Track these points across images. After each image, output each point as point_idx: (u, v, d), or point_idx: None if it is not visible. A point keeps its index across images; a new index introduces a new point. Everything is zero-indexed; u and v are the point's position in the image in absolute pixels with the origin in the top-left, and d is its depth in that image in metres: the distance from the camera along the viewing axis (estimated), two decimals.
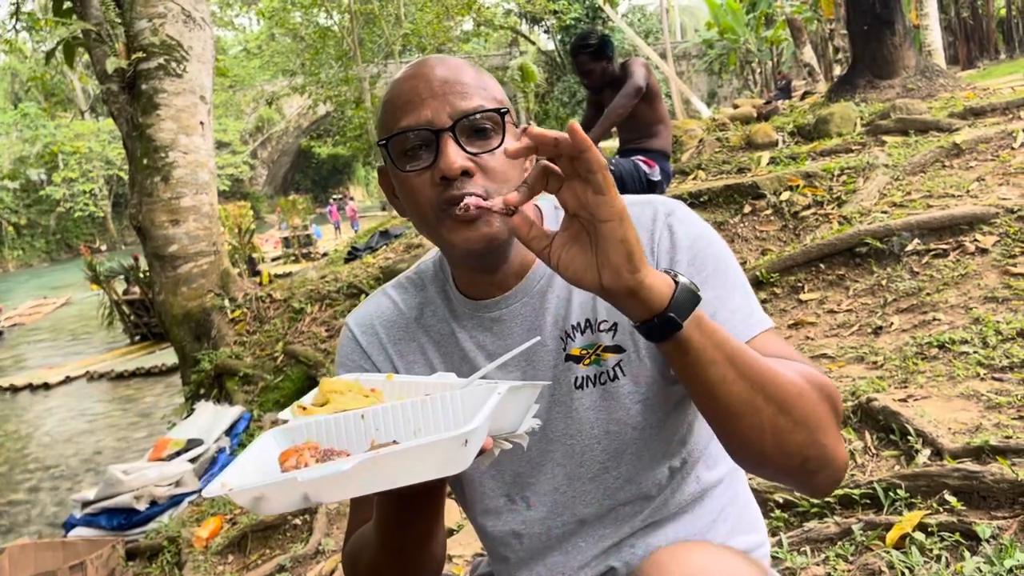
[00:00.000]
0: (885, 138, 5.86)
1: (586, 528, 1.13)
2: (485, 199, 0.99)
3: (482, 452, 0.79)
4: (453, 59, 1.08)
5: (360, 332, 1.21)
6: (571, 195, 0.80)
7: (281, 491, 0.72)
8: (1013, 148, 4.97)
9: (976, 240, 3.97)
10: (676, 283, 0.83)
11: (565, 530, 1.14)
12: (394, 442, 0.82)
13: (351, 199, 33.41)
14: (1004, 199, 4.21)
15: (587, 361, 1.09)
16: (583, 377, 1.09)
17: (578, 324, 1.10)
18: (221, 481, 0.74)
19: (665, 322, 0.82)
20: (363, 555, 1.07)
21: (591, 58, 4.65)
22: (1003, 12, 26.22)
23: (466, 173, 0.99)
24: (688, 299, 0.83)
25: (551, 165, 0.80)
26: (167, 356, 11.28)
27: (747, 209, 5.29)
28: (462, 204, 0.91)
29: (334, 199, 33.98)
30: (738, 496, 1.20)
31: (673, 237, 1.06)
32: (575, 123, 0.77)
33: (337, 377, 0.97)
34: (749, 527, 1.19)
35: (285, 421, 0.88)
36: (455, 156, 0.98)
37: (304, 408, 0.88)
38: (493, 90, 1.06)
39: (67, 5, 7.00)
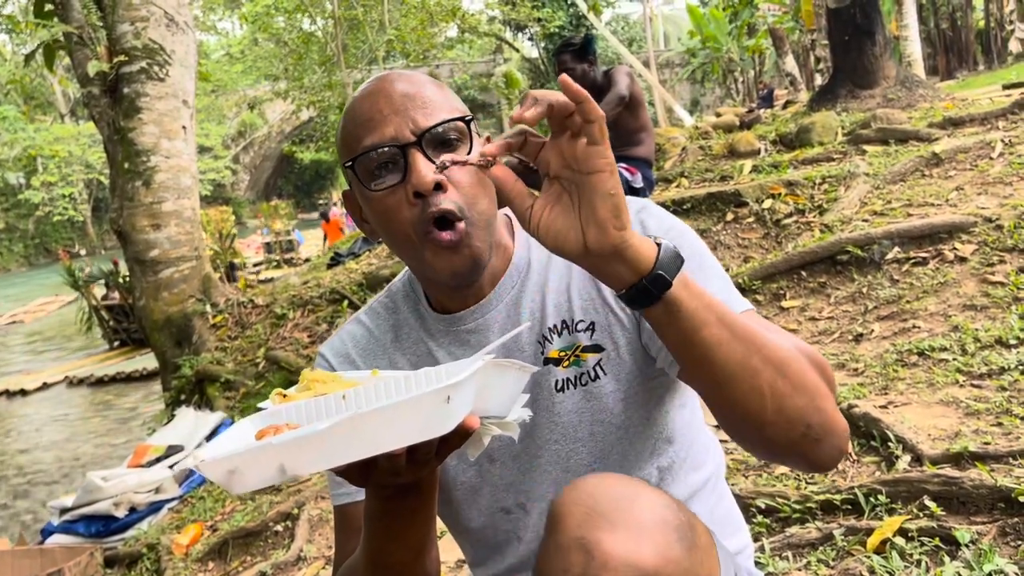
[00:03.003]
0: (866, 147, 5.92)
1: None
2: (459, 213, 0.98)
3: (467, 434, 0.76)
4: (410, 73, 1.07)
5: (336, 361, 1.18)
6: (555, 153, 0.79)
7: (256, 461, 0.67)
8: (991, 158, 5.03)
9: (955, 248, 4.01)
10: (658, 244, 0.82)
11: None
12: None
13: (335, 204, 33.30)
14: (983, 208, 4.26)
15: (566, 363, 1.08)
16: (563, 380, 1.08)
17: (555, 326, 1.08)
18: (194, 455, 0.69)
19: (653, 281, 0.80)
20: None
21: (574, 57, 4.66)
22: (981, 24, 26.54)
23: (439, 187, 0.98)
24: (673, 259, 0.81)
25: (530, 129, 0.80)
26: (147, 361, 11.18)
27: (729, 217, 5.32)
28: (438, 162, 0.87)
29: (334, 204, 34.12)
30: (722, 498, 1.20)
31: (644, 228, 1.06)
32: (566, 76, 0.76)
33: (319, 370, 0.93)
34: (734, 528, 1.20)
35: (264, 408, 0.84)
36: (426, 170, 0.97)
37: (284, 395, 0.85)
38: (453, 101, 1.05)
39: (48, 7, 6.95)
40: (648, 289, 0.80)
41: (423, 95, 1.01)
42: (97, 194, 40.42)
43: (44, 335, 18.52)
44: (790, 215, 5.10)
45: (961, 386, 2.92)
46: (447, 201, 0.98)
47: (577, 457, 1.09)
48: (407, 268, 1.18)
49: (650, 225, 1.06)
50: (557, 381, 1.08)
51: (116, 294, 14.25)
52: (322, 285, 6.71)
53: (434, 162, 0.97)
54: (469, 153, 1.01)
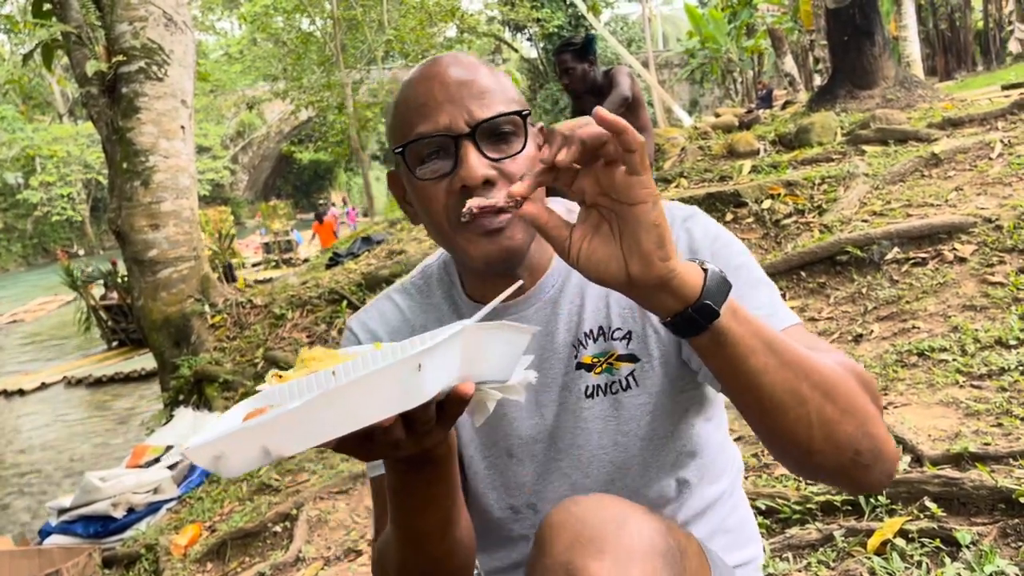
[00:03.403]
0: (865, 147, 5.92)
1: None
2: (506, 209, 0.93)
3: (463, 401, 0.74)
4: (467, 58, 1.03)
5: (363, 336, 1.16)
6: (591, 182, 0.75)
7: (239, 444, 0.67)
8: (991, 159, 5.03)
9: (955, 249, 4.01)
10: (705, 270, 0.78)
11: None
12: None
13: (332, 204, 33.31)
14: (982, 209, 4.26)
15: (599, 369, 1.05)
16: (594, 386, 1.06)
17: (591, 331, 1.06)
18: (185, 443, 0.69)
19: (700, 311, 0.76)
20: (389, 557, 1.02)
21: (574, 57, 4.65)
22: (980, 24, 26.57)
23: (488, 182, 0.95)
24: (720, 285, 0.77)
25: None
26: (145, 362, 11.17)
27: (729, 217, 5.32)
28: (464, 210, 0.84)
29: (341, 204, 34.03)
30: (737, 508, 1.18)
31: (691, 238, 1.03)
32: (600, 109, 0.72)
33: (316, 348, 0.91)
34: (747, 539, 1.18)
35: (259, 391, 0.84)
36: (477, 165, 0.94)
37: (281, 376, 0.84)
38: (510, 91, 1.02)
39: (47, 7, 6.94)
40: (694, 318, 0.77)
41: (479, 83, 0.98)
42: (95, 194, 40.39)
43: (42, 335, 18.51)
44: (789, 215, 5.09)
45: (961, 387, 2.92)
46: (495, 194, 0.95)
47: (598, 464, 1.07)
48: (442, 251, 1.16)
49: (696, 234, 1.03)
50: (588, 387, 1.06)
51: (114, 294, 14.24)
52: (321, 285, 6.70)
53: (486, 155, 0.96)
54: (523, 148, 0.98)
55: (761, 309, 0.95)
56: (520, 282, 0.98)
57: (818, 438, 0.83)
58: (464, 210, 0.84)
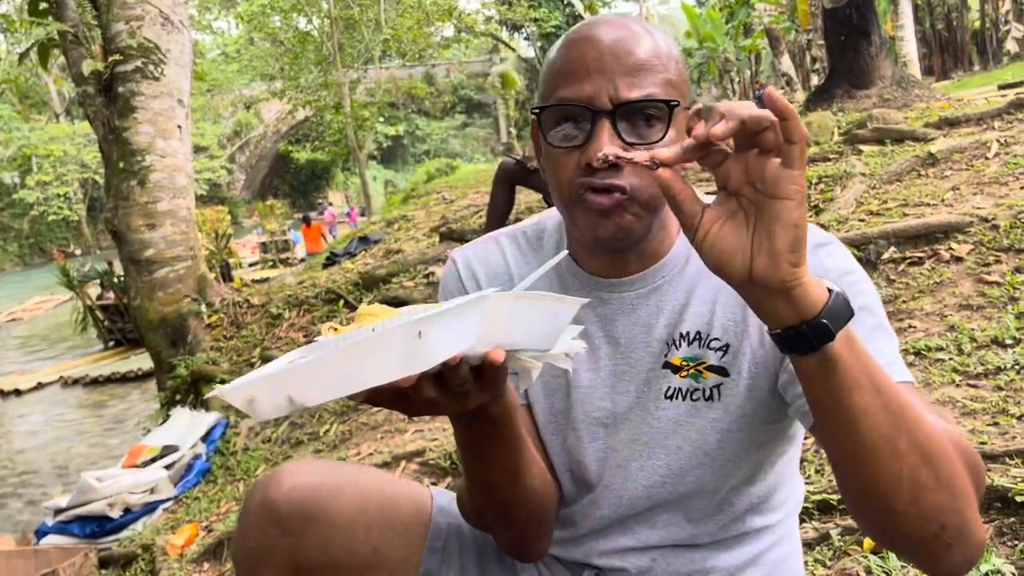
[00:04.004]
0: (862, 147, 5.93)
1: (620, 525, 1.10)
2: (627, 191, 0.92)
3: (497, 367, 0.75)
4: (631, 24, 0.97)
5: (465, 273, 1.15)
6: (739, 169, 0.71)
7: (267, 390, 0.70)
8: (987, 158, 5.03)
9: (951, 248, 4.01)
10: (830, 290, 0.73)
11: (602, 524, 1.10)
12: None
13: (330, 204, 33.32)
14: (978, 208, 4.27)
15: (684, 373, 1.02)
16: (675, 389, 1.03)
17: (687, 333, 1.02)
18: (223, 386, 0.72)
19: (816, 329, 0.71)
20: (466, 497, 1.06)
21: None
22: (977, 24, 26.61)
23: (615, 166, 0.91)
24: (843, 309, 0.73)
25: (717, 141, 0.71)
26: (142, 361, 11.15)
27: None
28: (600, 154, 0.81)
29: (344, 203, 33.71)
30: (783, 543, 1.14)
31: (823, 268, 0.96)
32: (772, 89, 0.69)
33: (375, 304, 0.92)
34: (788, 573, 1.14)
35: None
36: (607, 146, 0.90)
37: (337, 329, 0.85)
38: (671, 70, 0.95)
39: (43, 6, 6.93)
40: (807, 335, 0.72)
41: (637, 57, 0.93)
42: (92, 193, 40.30)
43: (39, 335, 18.48)
44: None
45: (957, 386, 2.92)
46: (620, 177, 0.92)
47: (655, 465, 1.05)
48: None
49: (828, 264, 0.97)
50: (669, 388, 1.03)
51: (111, 294, 14.22)
52: (318, 285, 6.69)
53: (622, 138, 0.91)
54: (663, 137, 0.93)
55: (879, 356, 0.85)
56: (586, 300, 0.94)
57: (905, 499, 0.76)
58: (600, 155, 0.82)
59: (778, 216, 0.69)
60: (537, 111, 0.98)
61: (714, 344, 1.02)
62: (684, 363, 1.03)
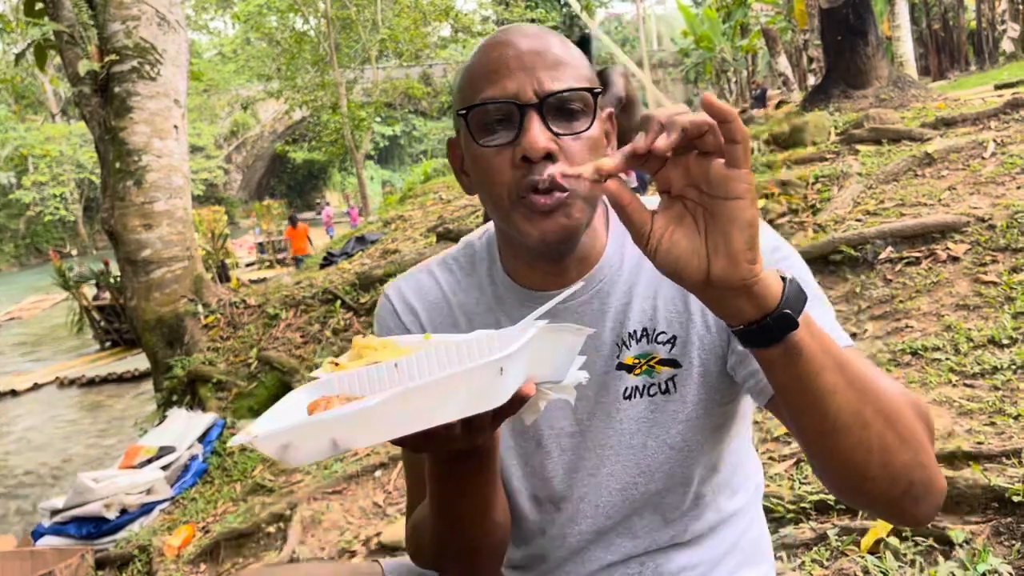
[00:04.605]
0: (859, 147, 5.93)
1: (601, 539, 1.10)
2: (566, 185, 0.91)
3: (523, 401, 0.74)
4: (543, 29, 1.00)
5: (401, 307, 1.14)
6: (680, 172, 0.70)
7: (308, 436, 0.67)
8: (984, 158, 5.04)
9: (948, 248, 4.02)
10: (784, 279, 0.73)
11: (581, 540, 1.10)
12: None
13: (327, 204, 33.29)
14: (975, 208, 4.27)
15: (638, 371, 1.03)
16: (632, 387, 1.04)
17: (635, 332, 1.03)
18: (247, 430, 0.69)
19: (779, 320, 0.72)
20: (424, 535, 1.03)
21: None
22: (973, 24, 26.63)
23: (549, 156, 0.92)
24: (799, 294, 0.73)
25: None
26: (139, 362, 11.13)
27: None
28: (544, 175, 0.80)
29: (344, 202, 33.30)
30: (752, 525, 1.16)
31: None
32: (708, 95, 0.67)
33: (371, 337, 0.91)
34: (760, 558, 1.17)
35: (316, 379, 0.83)
36: (539, 135, 0.91)
37: (337, 364, 0.83)
38: (582, 67, 0.98)
39: (39, 6, 6.91)
40: (771, 328, 0.72)
41: (554, 54, 0.95)
42: (88, 194, 40.22)
43: (35, 336, 18.45)
44: (783, 215, 5.10)
45: (954, 386, 2.92)
46: (555, 171, 0.92)
47: (624, 466, 1.06)
48: (487, 227, 1.14)
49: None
50: (627, 388, 1.04)
51: (107, 294, 14.19)
52: (315, 285, 6.68)
53: (551, 129, 0.92)
54: (589, 127, 0.95)
55: (821, 325, 0.88)
56: (582, 282, 0.98)
57: (875, 465, 0.79)
58: (545, 175, 0.80)
59: (732, 217, 0.68)
60: (463, 113, 0.97)
61: (661, 338, 1.03)
62: (636, 361, 1.03)
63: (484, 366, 0.66)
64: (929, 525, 2.05)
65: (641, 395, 1.04)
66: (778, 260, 0.99)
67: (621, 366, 1.04)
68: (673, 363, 1.03)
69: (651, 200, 0.79)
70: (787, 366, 0.75)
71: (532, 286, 1.06)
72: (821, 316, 0.92)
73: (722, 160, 0.68)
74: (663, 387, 1.03)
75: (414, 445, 0.77)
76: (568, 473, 1.08)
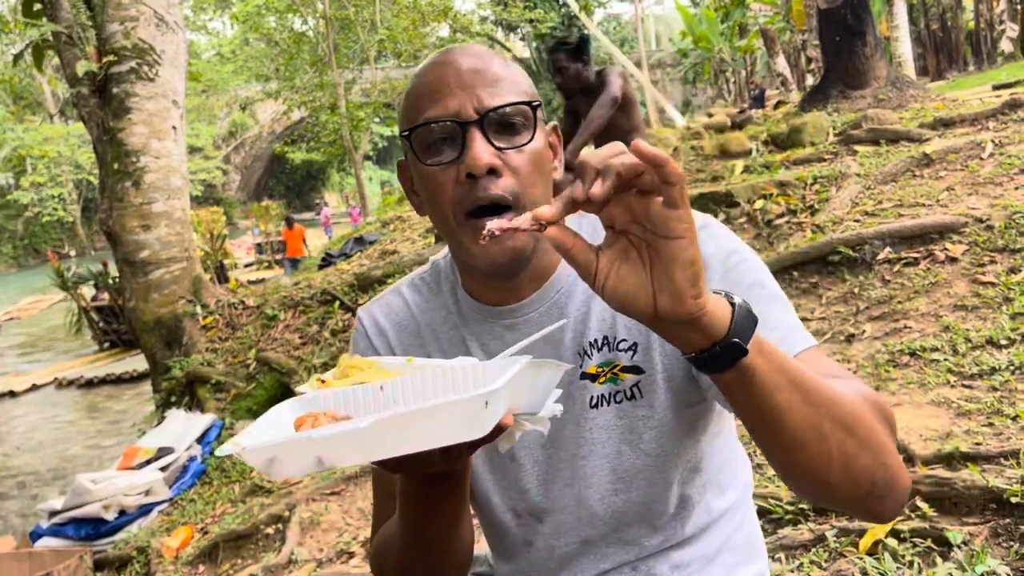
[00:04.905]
0: (857, 147, 5.93)
1: (590, 549, 1.10)
2: (511, 200, 0.93)
3: (501, 430, 0.75)
4: (481, 48, 1.02)
5: (372, 331, 1.16)
6: (622, 209, 0.71)
7: (295, 452, 0.69)
8: (982, 159, 5.04)
9: (946, 249, 4.02)
10: (733, 304, 0.74)
11: (569, 550, 1.11)
12: None
13: (326, 205, 33.26)
14: (973, 208, 4.27)
15: (603, 379, 1.04)
16: (598, 396, 1.04)
17: (595, 341, 1.04)
18: (234, 441, 0.71)
19: (727, 349, 0.73)
20: (390, 553, 1.03)
21: (568, 56, 4.65)
22: (971, 25, 26.65)
23: (493, 171, 0.94)
24: (748, 319, 0.74)
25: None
26: (137, 363, 11.13)
27: (721, 217, 5.32)
28: (484, 231, 0.80)
29: (345, 202, 33.18)
30: (744, 522, 1.17)
31: (704, 251, 0.95)
32: (638, 142, 0.67)
33: (358, 357, 0.93)
34: (754, 555, 1.17)
35: (303, 394, 0.85)
36: (482, 151, 0.93)
37: (323, 381, 0.85)
38: (522, 82, 1.00)
39: (37, 7, 6.91)
40: (720, 356, 0.74)
41: (492, 72, 0.97)
42: (87, 195, 40.20)
43: (33, 337, 18.43)
44: (782, 215, 5.10)
45: (952, 386, 2.92)
46: (499, 187, 0.94)
47: (600, 475, 1.06)
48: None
49: (709, 248, 0.99)
50: (592, 397, 1.05)
51: (105, 295, 14.18)
52: (313, 286, 6.68)
53: (493, 144, 0.94)
54: (531, 140, 0.97)
55: (778, 329, 0.94)
56: (563, 321, 0.99)
57: (836, 471, 0.81)
58: (484, 231, 0.80)
59: (674, 256, 0.69)
60: (407, 134, 0.98)
61: (622, 345, 1.03)
62: (600, 370, 1.04)
63: (471, 399, 0.68)
64: (927, 526, 2.05)
65: (608, 403, 1.04)
66: (735, 264, 0.99)
67: (585, 376, 1.05)
68: (636, 369, 1.03)
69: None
70: (740, 389, 0.77)
71: (491, 302, 1.08)
72: (781, 317, 0.96)
73: (660, 199, 0.68)
74: (629, 394, 1.03)
75: (391, 466, 0.79)
76: (544, 484, 1.09)
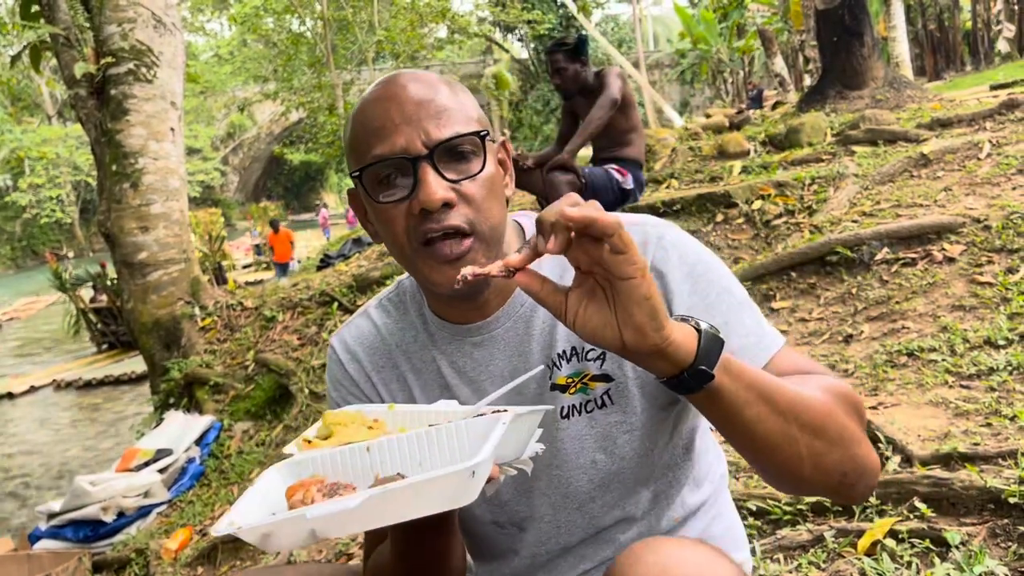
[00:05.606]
0: (855, 148, 5.94)
1: (571, 552, 1.12)
2: (468, 228, 0.95)
3: (489, 480, 0.79)
4: (425, 75, 1.01)
5: (345, 357, 1.17)
6: (582, 252, 0.75)
7: (289, 528, 0.72)
8: (979, 159, 5.05)
9: (944, 249, 4.02)
10: (699, 331, 0.79)
11: (549, 557, 1.12)
12: (399, 475, 0.82)
13: (324, 206, 33.29)
14: (970, 209, 4.28)
15: (573, 390, 1.05)
16: (569, 406, 1.05)
17: (564, 352, 1.05)
18: (229, 520, 0.74)
19: (694, 375, 0.78)
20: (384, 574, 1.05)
21: (567, 57, 4.65)
22: (969, 25, 26.68)
23: (447, 204, 0.94)
24: (714, 346, 0.79)
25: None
26: (135, 364, 11.13)
27: (719, 218, 5.33)
28: (459, 277, 0.82)
29: (324, 206, 33.36)
30: (722, 515, 1.18)
31: (668, 264, 1.01)
32: (567, 210, 0.72)
33: (339, 410, 0.96)
34: (734, 545, 1.18)
35: (290, 455, 0.88)
36: (435, 187, 0.93)
37: (309, 441, 0.88)
38: (469, 108, 1.00)
39: (35, 9, 6.90)
40: (688, 382, 0.79)
41: (437, 103, 0.96)
42: (85, 196, 40.20)
43: (32, 338, 18.41)
44: (780, 216, 5.10)
45: (950, 387, 2.93)
46: (455, 216, 0.95)
47: (577, 484, 1.07)
48: None
49: (673, 258, 1.01)
50: (563, 408, 1.05)
51: (104, 297, 14.17)
52: (311, 287, 6.68)
53: (445, 177, 0.94)
54: (482, 168, 0.97)
55: (748, 336, 0.98)
56: (541, 368, 1.01)
57: (807, 469, 0.87)
58: (459, 277, 0.82)
59: (628, 294, 0.74)
60: (357, 174, 0.98)
61: (591, 354, 1.04)
62: (569, 380, 1.05)
63: (458, 472, 0.71)
64: (926, 527, 2.05)
65: (579, 413, 1.05)
66: (702, 273, 1.01)
67: (555, 387, 1.06)
68: (606, 377, 1.04)
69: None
70: (710, 407, 0.82)
71: (457, 321, 1.09)
72: (750, 323, 0.99)
73: (607, 246, 0.73)
74: (600, 402, 1.04)
75: None
76: (522, 495, 1.11)
